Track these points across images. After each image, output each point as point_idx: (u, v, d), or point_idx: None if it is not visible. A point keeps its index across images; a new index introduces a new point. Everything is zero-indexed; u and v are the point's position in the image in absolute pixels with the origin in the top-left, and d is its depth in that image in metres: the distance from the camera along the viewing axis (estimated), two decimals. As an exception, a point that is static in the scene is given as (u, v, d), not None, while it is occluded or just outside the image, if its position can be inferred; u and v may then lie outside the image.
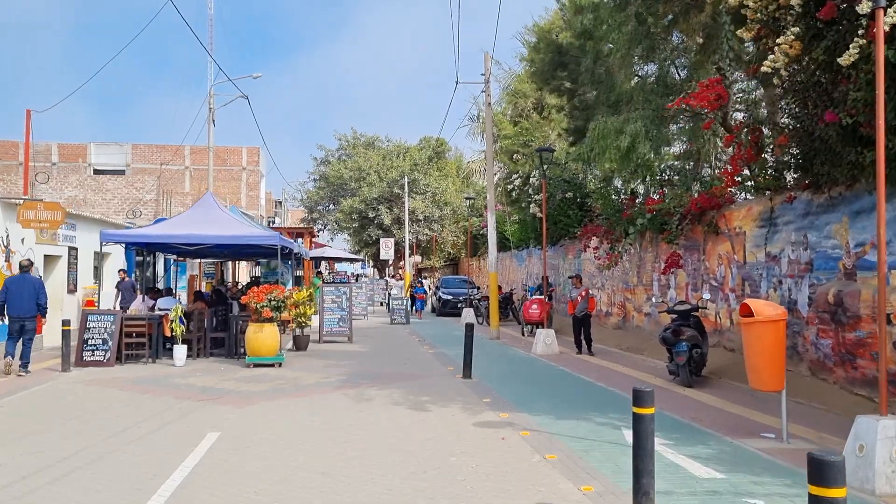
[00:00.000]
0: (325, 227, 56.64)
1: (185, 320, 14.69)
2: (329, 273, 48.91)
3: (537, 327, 18.54)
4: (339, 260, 37.99)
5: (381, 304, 36.03)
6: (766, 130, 10.78)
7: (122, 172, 47.22)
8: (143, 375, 12.32)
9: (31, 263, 12.88)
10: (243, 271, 37.28)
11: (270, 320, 13.50)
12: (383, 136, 57.18)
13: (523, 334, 19.86)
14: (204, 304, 15.97)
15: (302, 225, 33.28)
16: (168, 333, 14.12)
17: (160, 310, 15.04)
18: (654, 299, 16.51)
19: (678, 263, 14.71)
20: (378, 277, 53.28)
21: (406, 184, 47.51)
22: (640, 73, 16.93)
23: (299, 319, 16.26)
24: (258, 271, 33.17)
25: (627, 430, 7.84)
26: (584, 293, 15.82)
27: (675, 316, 12.05)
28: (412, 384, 11.46)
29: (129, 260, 24.77)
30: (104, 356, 13.41)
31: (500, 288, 26.86)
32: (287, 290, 14.32)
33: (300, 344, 16.36)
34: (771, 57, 8.12)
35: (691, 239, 14.76)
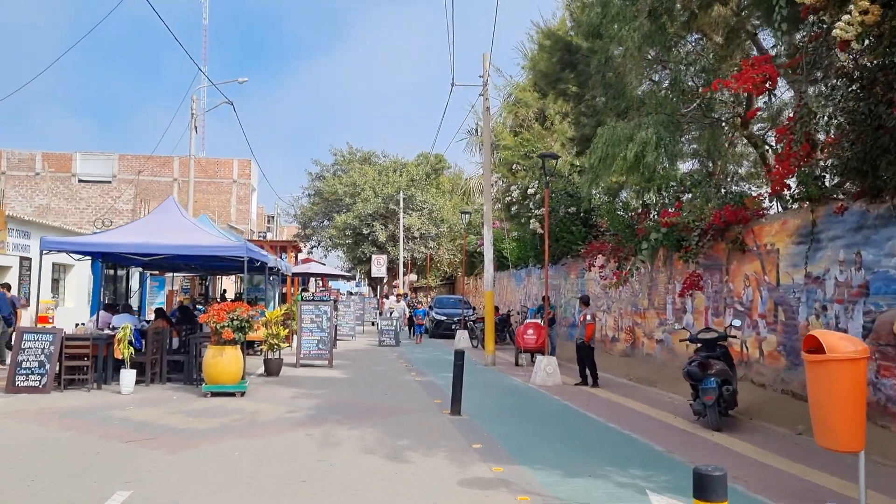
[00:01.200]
0: (318, 244, 54.94)
1: (143, 341, 12.98)
2: (321, 290, 47.12)
3: (535, 355, 16.79)
4: (330, 276, 36.22)
5: (373, 324, 34.14)
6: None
7: (108, 183, 45.67)
8: (78, 406, 10.57)
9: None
10: (230, 287, 35.54)
11: (233, 342, 11.77)
12: (380, 152, 55.66)
13: (517, 363, 17.80)
14: (165, 323, 14.25)
15: (287, 239, 31.61)
16: (119, 355, 12.38)
17: (114, 328, 13.31)
18: (673, 326, 14.80)
19: (698, 285, 13.02)
20: (371, 296, 51.53)
21: (401, 200, 45.90)
22: (652, 77, 15.34)
23: (271, 341, 14.53)
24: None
25: (657, 495, 6.11)
26: (582, 318, 14.09)
27: (698, 346, 10.36)
28: (391, 422, 9.73)
29: (95, 273, 23.04)
30: (40, 381, 11.66)
31: (496, 309, 25.16)
32: (257, 309, 12.59)
33: (271, 369, 14.61)
34: (841, 22, 6.48)
35: (712, 257, 13.09)
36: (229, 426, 9.23)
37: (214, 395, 11.59)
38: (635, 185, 13.57)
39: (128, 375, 11.81)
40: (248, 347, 16.98)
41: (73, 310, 19.21)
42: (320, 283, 54.37)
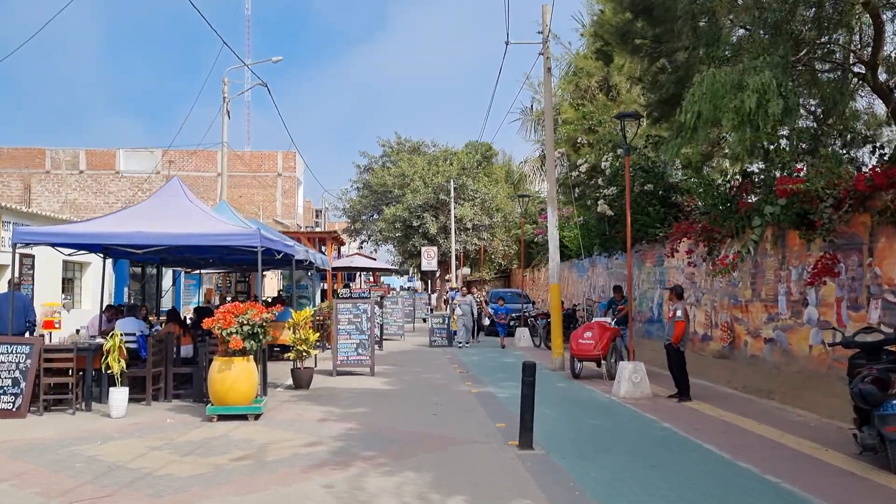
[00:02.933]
0: (369, 238, 52.99)
1: (146, 349, 10.81)
2: (372, 286, 44.99)
3: (597, 365, 14.09)
4: (377, 271, 33.96)
5: (424, 321, 31.64)
6: None
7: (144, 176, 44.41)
8: (48, 437, 8.40)
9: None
10: (270, 285, 33.64)
11: (243, 353, 9.46)
12: (429, 141, 53.31)
13: (574, 373, 14.00)
14: (177, 328, 12.08)
15: (328, 230, 28.90)
16: (114, 369, 10.18)
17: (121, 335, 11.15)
18: (787, 321, 11.96)
19: (832, 270, 10.16)
20: (422, 290, 49.28)
21: (452, 189, 43.45)
22: (748, 25, 12.45)
23: (299, 348, 12.21)
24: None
25: None
26: (671, 314, 11.32)
27: (855, 352, 7.62)
28: (440, 460, 7.26)
29: (120, 271, 21.21)
30: (13, 403, 9.56)
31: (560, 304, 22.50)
32: (273, 311, 10.24)
33: (300, 380, 12.29)
34: None
35: (846, 235, 10.24)
36: (225, 470, 6.88)
37: (221, 418, 9.30)
38: (739, 147, 10.76)
39: (118, 395, 9.61)
40: (283, 351, 14.83)
41: (91, 312, 17.35)
42: (370, 278, 52.43)
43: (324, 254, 20.41)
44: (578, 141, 20.41)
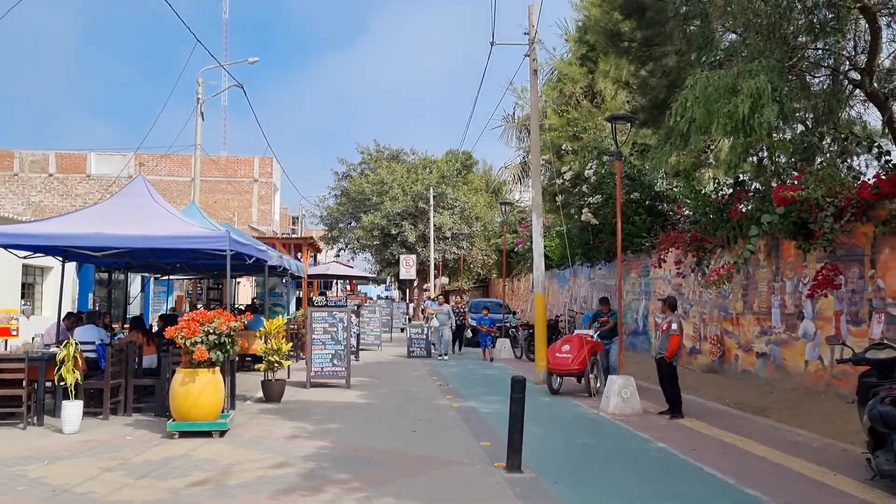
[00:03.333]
0: (346, 246, 52.24)
1: (105, 358, 10.07)
2: (348, 294, 44.19)
3: (578, 381, 13.31)
4: (354, 279, 33.23)
5: (402, 331, 30.96)
6: None
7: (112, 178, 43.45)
8: (-10, 456, 7.66)
9: None
10: (244, 292, 32.79)
11: (209, 364, 8.78)
12: (408, 149, 52.77)
13: (551, 388, 12.96)
14: (140, 337, 11.34)
15: (303, 236, 27.62)
16: (68, 381, 9.43)
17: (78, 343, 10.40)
18: (781, 335, 11.50)
19: (832, 282, 9.71)
20: (400, 300, 48.61)
21: (431, 197, 42.90)
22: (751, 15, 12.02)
23: (270, 358, 11.53)
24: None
25: None
26: (665, 326, 10.79)
27: (866, 369, 7.14)
28: (421, 484, 6.65)
29: (85, 277, 20.33)
30: (-44, 418, 8.80)
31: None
32: (242, 319, 9.56)
33: (271, 393, 11.60)
34: None
35: (846, 245, 9.81)
36: (181, 497, 6.20)
37: (184, 435, 8.60)
38: (731, 154, 10.31)
39: (71, 409, 8.88)
40: (255, 362, 14.13)
41: (52, 319, 16.51)
42: (347, 287, 51.66)
43: (299, 260, 19.74)
44: (563, 148, 19.94)
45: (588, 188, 17.90)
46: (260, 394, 11.96)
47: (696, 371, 14.34)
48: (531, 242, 34.79)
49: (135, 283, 24.42)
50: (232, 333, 8.98)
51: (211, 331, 8.71)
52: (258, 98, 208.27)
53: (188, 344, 8.65)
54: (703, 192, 13.22)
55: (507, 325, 22.93)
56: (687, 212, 14.89)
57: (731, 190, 12.68)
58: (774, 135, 10.39)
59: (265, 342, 11.58)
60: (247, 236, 14.35)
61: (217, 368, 8.93)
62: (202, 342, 8.63)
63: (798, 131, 11.78)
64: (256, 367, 12.46)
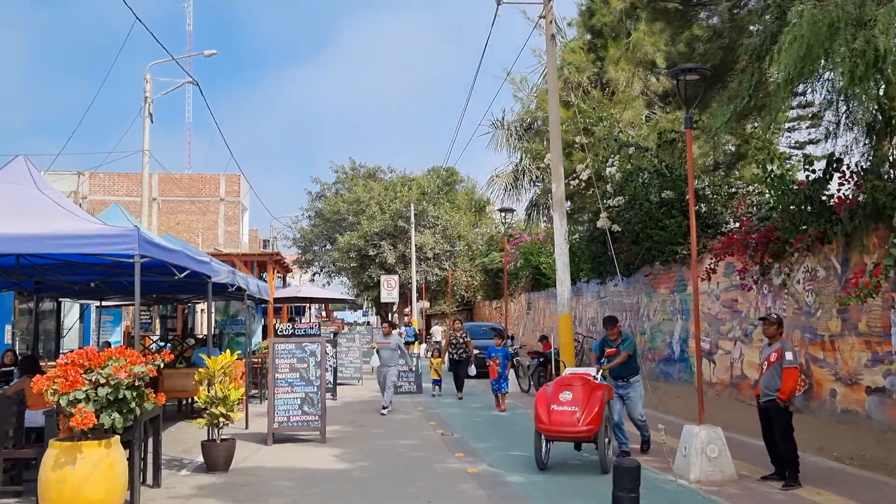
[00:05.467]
0: (321, 270, 49.02)
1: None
2: (323, 321, 40.68)
3: (576, 448, 8.79)
4: (328, 302, 29.90)
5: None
6: None
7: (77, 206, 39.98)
8: None
9: None
10: (207, 321, 29.29)
11: (101, 435, 5.57)
12: (386, 167, 49.94)
13: (538, 463, 8.22)
14: (35, 384, 8.02)
15: (268, 252, 23.36)
16: None
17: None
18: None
19: None
20: (379, 325, 45.26)
21: (412, 214, 39.85)
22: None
23: (213, 411, 8.29)
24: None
25: None
26: (775, 356, 7.68)
27: None
28: None
29: (1, 304, 16.90)
30: None
31: (545, 339, 18.91)
32: (157, 361, 6.32)
33: (213, 459, 8.32)
34: None
35: None
36: None
37: (57, 551, 5.35)
38: (861, 108, 7.44)
39: None
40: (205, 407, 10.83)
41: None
42: (322, 313, 48.16)
43: (264, 280, 16.49)
44: (576, 142, 16.99)
45: (612, 187, 14.95)
46: (200, 458, 8.69)
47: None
48: (523, 260, 31.86)
49: (73, 311, 21.02)
50: (140, 383, 5.78)
51: (102, 381, 5.51)
52: (223, 115, 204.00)
53: (64, 403, 5.44)
54: (784, 174, 10.27)
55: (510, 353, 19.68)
56: (749, 209, 11.99)
57: (820, 173, 9.74)
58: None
59: (207, 388, 8.33)
60: (184, 244, 11.16)
61: (115, 439, 5.71)
62: (87, 399, 5.42)
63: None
64: (196, 421, 9.18)
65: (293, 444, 10.18)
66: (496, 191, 34.21)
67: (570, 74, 18.84)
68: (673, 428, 9.44)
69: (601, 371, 8.78)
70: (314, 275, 49.46)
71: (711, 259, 12.45)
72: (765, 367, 7.71)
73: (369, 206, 43.66)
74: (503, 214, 19.36)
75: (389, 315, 45.00)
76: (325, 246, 49.05)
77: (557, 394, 8.26)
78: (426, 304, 50.27)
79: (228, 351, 8.71)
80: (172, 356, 8.39)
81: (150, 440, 7.47)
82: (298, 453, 9.57)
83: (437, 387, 16.98)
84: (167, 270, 8.14)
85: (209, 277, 9.15)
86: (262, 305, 18.31)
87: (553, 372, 17.33)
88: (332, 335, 20.93)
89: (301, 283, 37.11)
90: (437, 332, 27.90)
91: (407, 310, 45.41)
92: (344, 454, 9.49)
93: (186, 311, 23.41)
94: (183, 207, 42.02)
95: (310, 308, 39.86)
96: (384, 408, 13.38)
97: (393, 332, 15.06)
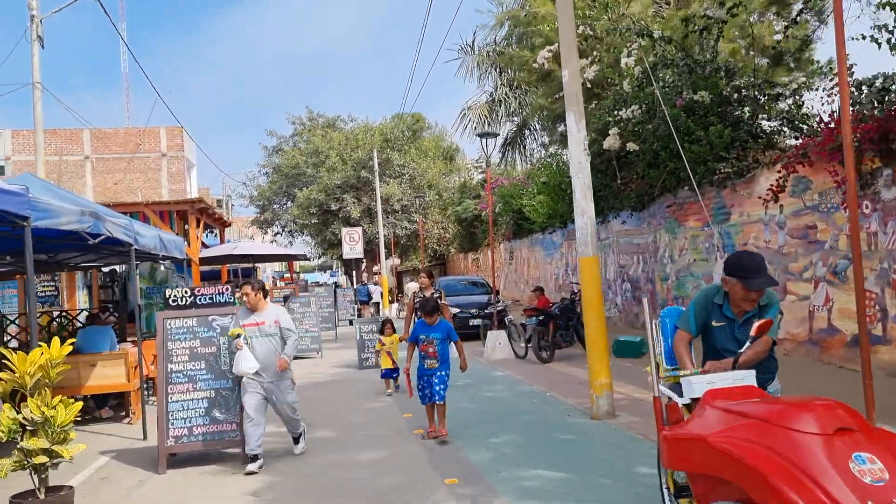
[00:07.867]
0: (283, 229, 45.40)
1: None
2: (287, 283, 36.86)
3: None
4: (278, 259, 26.18)
5: (350, 324, 23.88)
6: None
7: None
8: None
9: None
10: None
11: None
12: (346, 116, 46.16)
13: None
14: None
15: (192, 198, 19.27)
16: None
17: None
18: None
19: None
20: (347, 286, 41.94)
21: (376, 163, 36.18)
22: None
23: (26, 446, 4.77)
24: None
25: None
26: None
27: None
28: None
29: None
30: None
31: (541, 291, 15.51)
32: None
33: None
34: None
35: None
36: None
37: None
38: None
39: None
40: (99, 405, 7.44)
41: None
42: (286, 274, 44.46)
43: (176, 239, 12.69)
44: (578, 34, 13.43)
45: (630, 87, 11.43)
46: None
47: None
48: (502, 204, 28.32)
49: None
50: None
51: None
52: (161, 70, 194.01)
53: None
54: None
55: (495, 309, 16.31)
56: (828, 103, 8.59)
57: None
58: None
59: (14, 405, 4.80)
60: (61, 191, 7.42)
61: None
62: None
63: None
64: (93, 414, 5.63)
65: (198, 469, 6.75)
66: (469, 127, 30.65)
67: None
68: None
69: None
70: (276, 235, 45.96)
71: (781, 172, 9.08)
72: None
73: (329, 157, 40.01)
74: (484, 141, 15.79)
75: (354, 272, 41.65)
76: (285, 204, 45.46)
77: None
78: (396, 260, 46.93)
79: (57, 339, 5.13)
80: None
81: None
82: (201, 488, 6.15)
83: (390, 380, 11.07)
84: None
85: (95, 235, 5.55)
86: (183, 266, 14.65)
87: (564, 335, 13.99)
88: (282, 299, 17.48)
89: (241, 240, 33.16)
90: (411, 289, 24.35)
91: (376, 267, 41.92)
92: (276, 482, 6.08)
93: (115, 280, 19.53)
94: (119, 166, 37.78)
95: (267, 271, 36.10)
96: (251, 454, 6.69)
97: (266, 308, 6.96)
